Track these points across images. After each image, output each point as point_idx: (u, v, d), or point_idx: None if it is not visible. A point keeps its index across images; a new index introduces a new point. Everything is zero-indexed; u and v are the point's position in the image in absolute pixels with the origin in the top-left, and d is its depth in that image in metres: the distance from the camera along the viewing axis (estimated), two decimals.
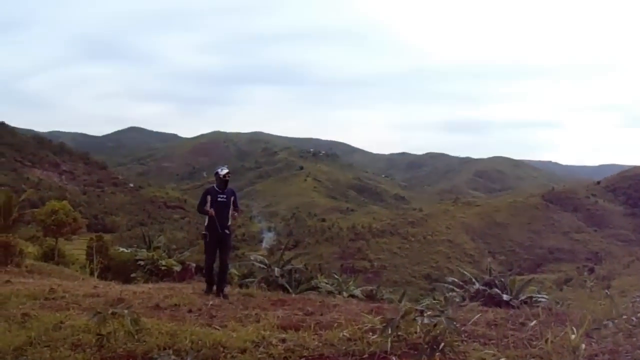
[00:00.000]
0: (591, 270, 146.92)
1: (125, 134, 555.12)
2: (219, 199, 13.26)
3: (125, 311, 7.00)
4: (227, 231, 13.45)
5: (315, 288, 24.83)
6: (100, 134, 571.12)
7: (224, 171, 13.49)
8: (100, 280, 25.03)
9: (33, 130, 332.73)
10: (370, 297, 26.15)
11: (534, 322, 6.85)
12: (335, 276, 33.64)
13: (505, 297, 19.99)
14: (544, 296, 21.63)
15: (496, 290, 20.67)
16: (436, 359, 5.18)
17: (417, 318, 5.40)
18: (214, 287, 13.48)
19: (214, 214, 13.28)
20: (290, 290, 22.61)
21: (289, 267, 26.46)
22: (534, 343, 6.41)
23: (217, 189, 13.47)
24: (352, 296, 23.85)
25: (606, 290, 11.28)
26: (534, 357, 5.32)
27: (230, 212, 13.37)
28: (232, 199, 13.43)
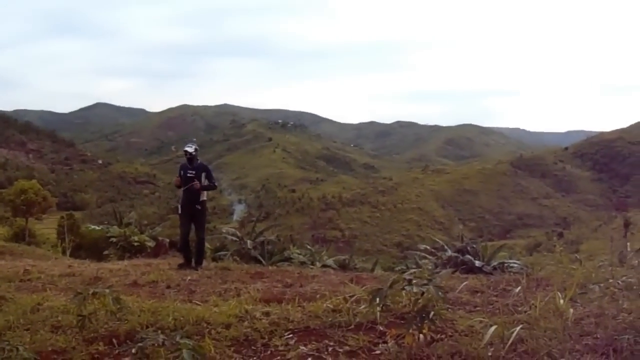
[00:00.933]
0: (560, 235, 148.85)
1: (92, 111, 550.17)
2: (188, 175, 13.26)
3: (107, 290, 6.89)
4: (198, 206, 13.41)
5: (288, 259, 24.84)
6: (66, 111, 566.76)
7: (186, 147, 13.50)
8: (73, 259, 24.86)
9: None
10: (343, 266, 26.17)
11: (518, 288, 6.87)
12: (308, 247, 33.70)
13: (477, 263, 20.12)
14: (516, 262, 21.79)
15: (468, 256, 20.79)
16: (424, 327, 5.15)
17: (405, 287, 5.36)
18: (192, 262, 13.46)
19: (182, 189, 13.37)
20: (264, 262, 22.58)
21: (261, 239, 26.40)
22: (520, 309, 6.44)
23: (187, 164, 13.42)
24: (325, 266, 23.87)
25: (575, 255, 11.42)
26: (522, 323, 5.32)
27: (195, 184, 13.26)
28: (204, 174, 13.34)
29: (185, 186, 13.30)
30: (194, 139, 14.43)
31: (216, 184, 13.88)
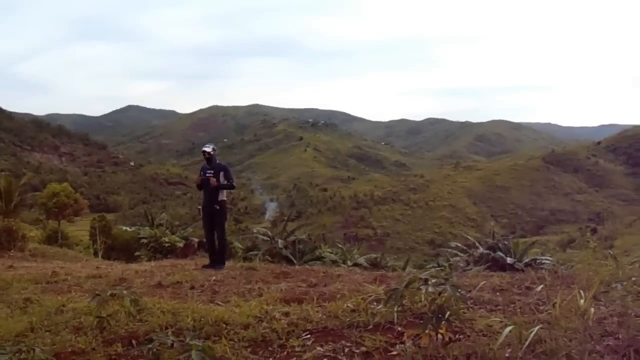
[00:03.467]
0: (594, 231, 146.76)
1: (123, 113, 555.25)
2: (207, 174, 13.43)
3: (125, 292, 6.91)
4: (216, 206, 13.51)
5: (319, 258, 24.87)
6: (98, 114, 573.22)
7: (204, 148, 13.66)
8: (104, 260, 25.07)
9: (31, 114, 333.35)
10: (374, 265, 26.18)
11: (541, 286, 6.75)
12: (339, 245, 33.72)
13: (509, 260, 20.00)
14: (548, 258, 21.62)
15: (500, 253, 20.68)
16: (442, 328, 5.08)
17: (421, 287, 5.29)
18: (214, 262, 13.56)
19: (202, 189, 13.66)
20: (295, 262, 22.61)
21: (292, 238, 26.45)
22: (542, 308, 6.33)
23: (207, 165, 13.55)
24: (357, 265, 23.87)
25: (609, 251, 11.21)
26: (542, 323, 5.22)
27: (212, 180, 13.36)
28: (222, 174, 13.42)
29: (203, 186, 13.47)
30: (209, 142, 14.47)
31: (234, 183, 13.88)
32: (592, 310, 5.37)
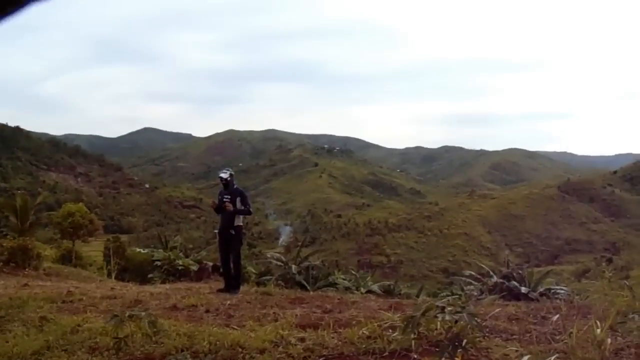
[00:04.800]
0: (609, 261, 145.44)
1: (139, 135, 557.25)
2: (224, 199, 13.48)
3: (143, 313, 6.95)
4: (232, 232, 13.51)
5: (332, 284, 24.75)
6: (114, 136, 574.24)
7: (220, 174, 13.75)
8: (118, 281, 25.12)
9: (48, 134, 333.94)
10: (388, 292, 26.04)
11: (557, 315, 6.73)
12: (353, 272, 33.62)
13: (523, 289, 19.84)
14: (563, 288, 21.43)
15: (514, 282, 20.51)
16: (458, 356, 5.08)
17: (438, 315, 5.30)
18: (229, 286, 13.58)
19: (219, 213, 13.72)
20: (308, 287, 22.53)
21: (306, 264, 26.32)
22: (557, 337, 6.31)
23: (224, 190, 13.58)
24: (370, 292, 23.77)
25: (625, 281, 11.13)
26: (558, 352, 5.21)
27: (227, 205, 13.38)
28: (238, 199, 13.45)
29: (220, 211, 13.46)
30: (226, 167, 14.50)
31: (251, 209, 13.87)
32: (609, 340, 5.36)
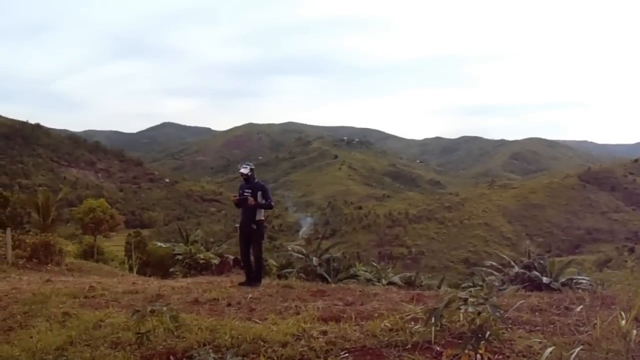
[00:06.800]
0: (631, 250, 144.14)
1: (158, 130, 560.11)
2: (245, 193, 13.35)
3: (164, 308, 6.95)
4: (253, 226, 13.44)
5: (354, 276, 24.70)
6: (134, 131, 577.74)
7: (240, 170, 13.58)
8: (139, 275, 25.23)
9: (68, 130, 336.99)
10: (409, 283, 25.96)
11: (580, 306, 6.66)
12: (374, 264, 33.55)
13: (545, 279, 19.73)
14: (585, 278, 21.27)
15: (535, 273, 20.40)
16: (481, 348, 5.03)
17: (460, 306, 5.24)
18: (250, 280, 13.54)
19: (240, 207, 13.54)
20: (329, 280, 22.51)
21: (326, 256, 26.27)
22: (581, 329, 6.25)
23: (244, 184, 13.58)
24: (391, 283, 23.68)
25: None
26: (582, 344, 5.14)
27: (249, 199, 13.32)
28: (259, 193, 13.39)
29: (241, 206, 13.45)
30: (247, 161, 14.35)
31: (272, 203, 13.72)
32: (635, 332, 5.28)
